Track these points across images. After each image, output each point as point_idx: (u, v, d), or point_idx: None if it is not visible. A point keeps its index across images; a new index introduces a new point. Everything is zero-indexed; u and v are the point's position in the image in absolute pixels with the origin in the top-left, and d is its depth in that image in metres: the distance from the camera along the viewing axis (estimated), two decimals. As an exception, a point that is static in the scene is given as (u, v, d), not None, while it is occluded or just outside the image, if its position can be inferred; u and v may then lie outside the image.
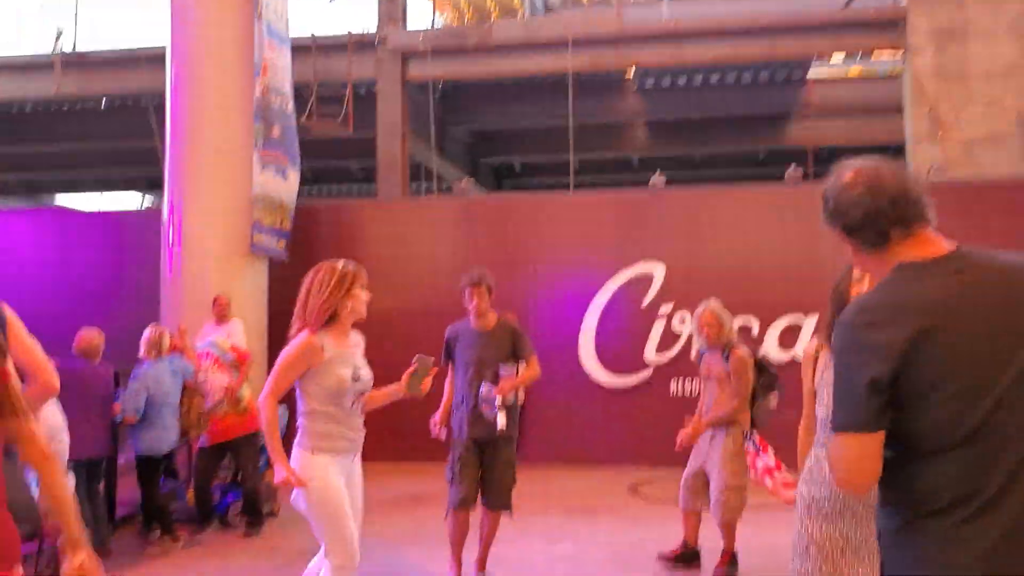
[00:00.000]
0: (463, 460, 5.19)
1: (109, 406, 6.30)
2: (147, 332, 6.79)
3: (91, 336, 6.32)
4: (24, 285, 10.40)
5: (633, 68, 14.00)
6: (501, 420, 5.05)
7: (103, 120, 15.25)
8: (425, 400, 4.15)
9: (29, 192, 20.00)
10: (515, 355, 5.23)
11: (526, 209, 10.52)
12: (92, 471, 6.14)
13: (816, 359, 3.41)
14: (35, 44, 14.92)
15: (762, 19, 12.00)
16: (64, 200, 20.84)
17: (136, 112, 13.66)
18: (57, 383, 3.22)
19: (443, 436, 5.29)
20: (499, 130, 16.38)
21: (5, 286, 10.48)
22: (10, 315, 3.10)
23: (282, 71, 9.55)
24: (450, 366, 5.36)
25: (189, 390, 6.84)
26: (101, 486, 6.39)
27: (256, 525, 6.89)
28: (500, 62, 12.93)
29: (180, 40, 9.14)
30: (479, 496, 5.29)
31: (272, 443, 3.68)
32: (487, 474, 5.24)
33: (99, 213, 14.11)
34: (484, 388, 5.10)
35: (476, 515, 5.33)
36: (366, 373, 3.85)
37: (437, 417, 5.31)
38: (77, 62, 13.63)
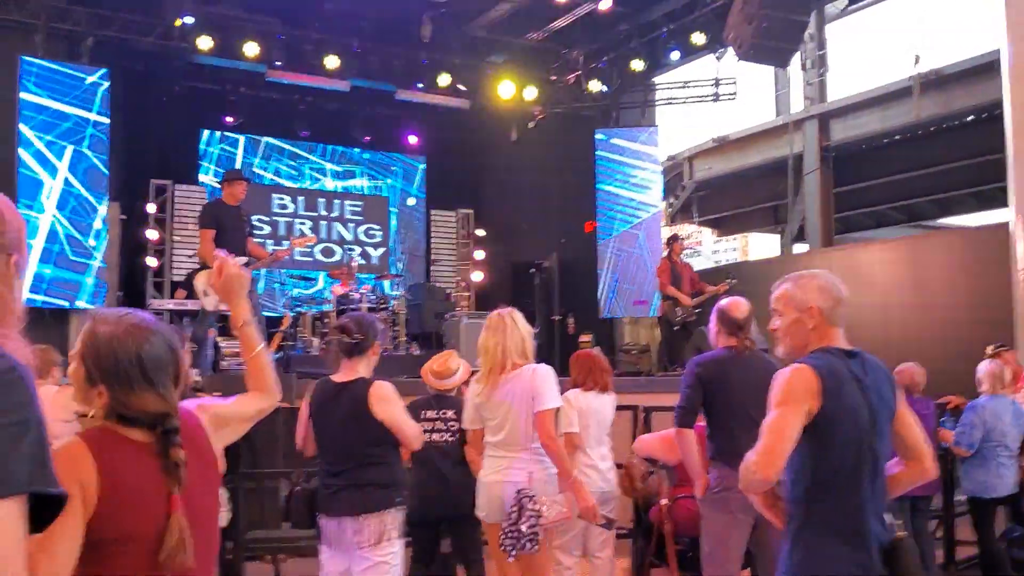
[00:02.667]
0: None
1: (932, 441, 6.00)
2: (987, 365, 6.31)
3: (912, 371, 6.17)
4: (880, 310, 10.69)
5: None
6: None
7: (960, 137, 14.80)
8: None
9: (910, 218, 20.35)
10: None
11: None
12: (917, 507, 5.94)
13: None
14: (892, 72, 15.29)
15: None
16: (942, 222, 20.65)
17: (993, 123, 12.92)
18: (936, 471, 3.02)
19: None
20: None
21: (864, 315, 10.90)
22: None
23: None
24: None
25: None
26: (933, 525, 6.13)
27: None
28: None
29: (1014, 45, 8.38)
30: None
31: None
32: None
33: (945, 231, 13.69)
34: None
35: None
36: None
37: None
38: (934, 82, 13.55)
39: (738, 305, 4.32)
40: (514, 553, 4.02)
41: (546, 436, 4.10)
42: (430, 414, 4.86)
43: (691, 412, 4.15)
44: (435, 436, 4.76)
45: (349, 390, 3.89)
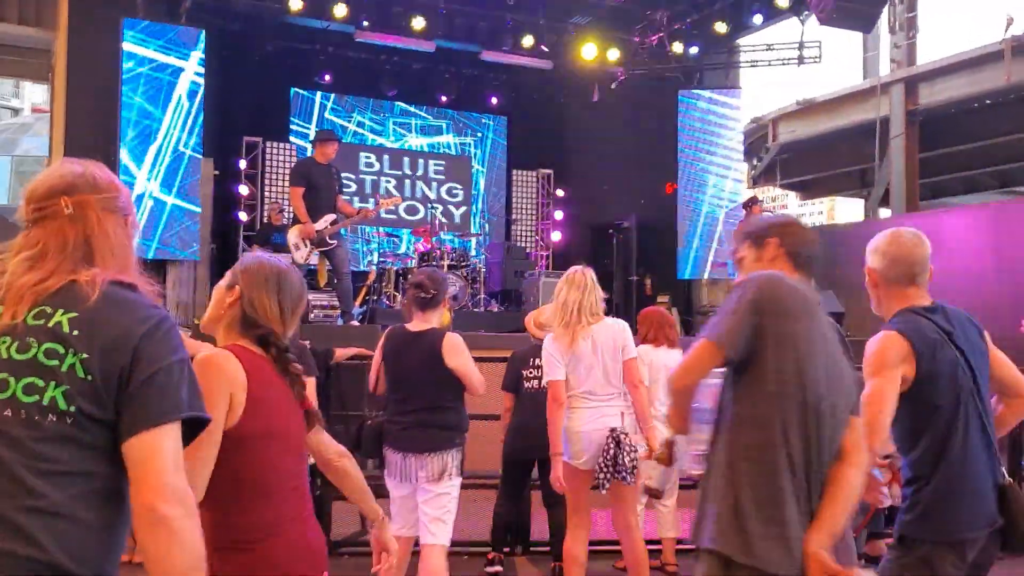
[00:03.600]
0: None
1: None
2: None
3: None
4: (963, 277, 10.56)
5: None
6: None
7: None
8: None
9: (1002, 184, 19.79)
10: None
11: None
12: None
13: None
14: (982, 35, 14.86)
15: None
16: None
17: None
18: None
19: None
20: None
21: (945, 281, 10.80)
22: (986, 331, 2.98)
23: None
24: None
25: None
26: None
27: None
28: None
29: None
30: None
31: None
32: None
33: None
34: None
35: None
36: None
37: None
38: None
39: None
40: (608, 485, 4.28)
41: (635, 382, 4.41)
42: (533, 362, 5.21)
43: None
44: (532, 383, 5.10)
45: (424, 339, 4.22)
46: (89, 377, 1.60)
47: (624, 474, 4.24)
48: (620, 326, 4.47)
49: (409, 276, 11.20)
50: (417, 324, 4.30)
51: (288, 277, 2.43)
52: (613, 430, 4.30)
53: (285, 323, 2.40)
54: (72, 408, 1.59)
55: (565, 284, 4.47)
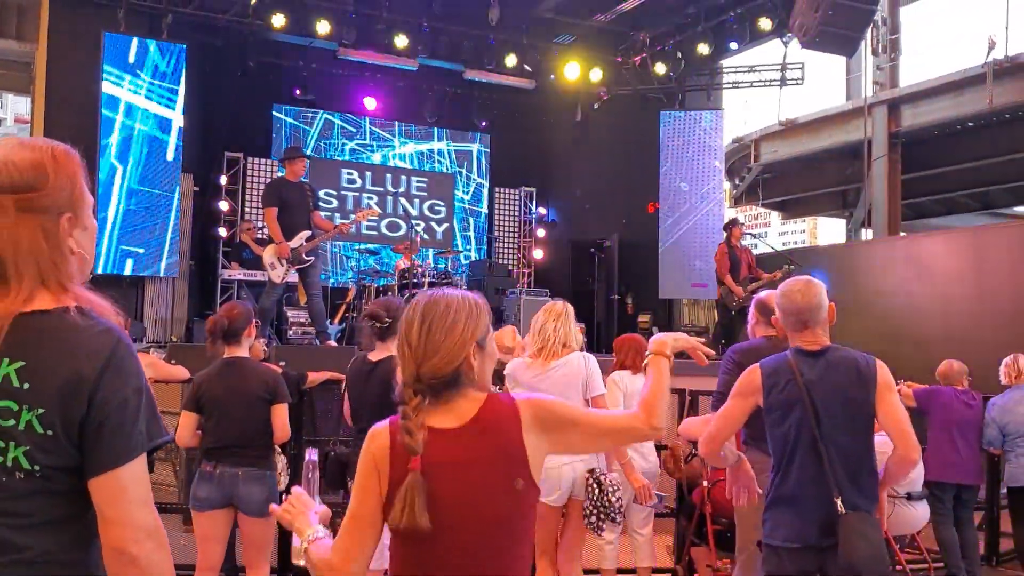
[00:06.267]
0: None
1: (975, 433, 6.08)
2: (1007, 359, 6.36)
3: (946, 367, 6.27)
4: (942, 300, 10.59)
5: None
6: None
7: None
8: None
9: (983, 206, 19.91)
10: None
11: None
12: (961, 498, 6.00)
13: None
14: (965, 58, 14.96)
15: None
16: (1017, 211, 20.15)
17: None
18: (916, 456, 3.09)
19: None
20: None
21: (925, 306, 10.82)
22: (883, 378, 3.08)
23: None
24: None
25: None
26: (975, 516, 6.18)
27: None
28: None
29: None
30: None
31: None
32: None
33: (1015, 221, 13.38)
34: None
35: None
36: None
37: None
38: (1008, 69, 13.26)
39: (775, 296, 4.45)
40: (604, 527, 4.31)
41: None
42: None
43: (727, 398, 4.30)
44: None
45: (382, 367, 4.20)
46: (50, 432, 1.51)
47: (614, 515, 4.27)
48: (583, 361, 4.42)
49: (390, 293, 11.17)
50: (377, 353, 4.28)
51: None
52: (592, 471, 4.29)
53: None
54: (36, 467, 1.52)
55: (543, 313, 4.53)
